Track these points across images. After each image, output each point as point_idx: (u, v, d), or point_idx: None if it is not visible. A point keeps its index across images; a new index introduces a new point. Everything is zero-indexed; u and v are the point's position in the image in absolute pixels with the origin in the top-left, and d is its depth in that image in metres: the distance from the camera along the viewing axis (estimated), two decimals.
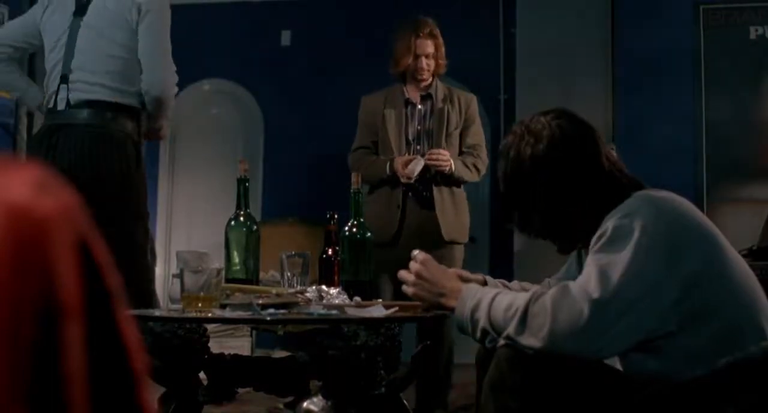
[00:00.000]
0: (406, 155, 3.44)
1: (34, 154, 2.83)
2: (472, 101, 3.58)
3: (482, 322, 1.51)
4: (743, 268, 1.52)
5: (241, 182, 2.31)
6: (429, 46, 3.48)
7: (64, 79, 2.79)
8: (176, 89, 2.91)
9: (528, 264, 4.92)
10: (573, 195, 1.59)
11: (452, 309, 1.60)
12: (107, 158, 2.74)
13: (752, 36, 4.76)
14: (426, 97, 3.52)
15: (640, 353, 1.45)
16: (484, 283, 1.82)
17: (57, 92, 2.79)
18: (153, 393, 2.00)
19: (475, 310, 1.54)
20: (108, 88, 2.78)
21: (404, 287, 1.73)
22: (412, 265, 1.71)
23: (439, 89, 3.53)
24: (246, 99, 6.36)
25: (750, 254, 3.48)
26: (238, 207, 2.31)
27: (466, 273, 1.81)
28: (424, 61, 3.46)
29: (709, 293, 1.44)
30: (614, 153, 1.68)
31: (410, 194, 3.43)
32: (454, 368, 3.46)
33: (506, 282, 1.90)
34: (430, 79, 3.53)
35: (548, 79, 4.98)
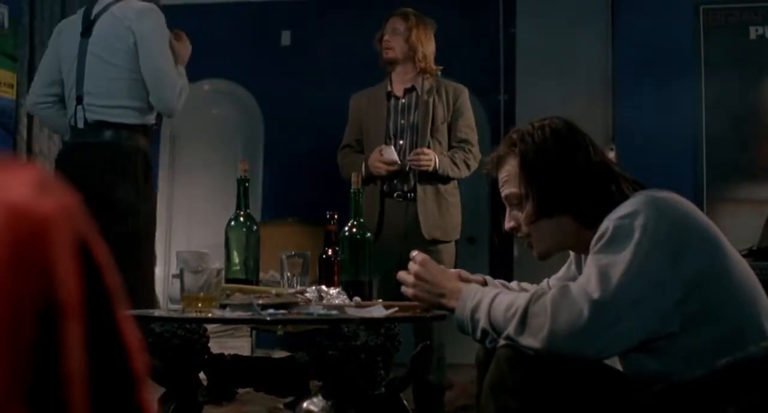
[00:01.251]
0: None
1: (59, 170, 3.04)
2: (462, 93, 3.47)
3: (482, 322, 1.51)
4: (744, 268, 1.51)
5: (241, 182, 2.31)
6: (397, 23, 3.44)
7: (79, 100, 3.01)
8: (185, 95, 3.07)
9: (528, 264, 4.92)
10: (569, 193, 1.59)
11: (452, 310, 1.60)
12: (119, 174, 2.95)
13: (752, 36, 4.76)
14: (410, 90, 3.45)
15: (641, 353, 1.45)
16: (485, 284, 1.81)
17: (75, 112, 3.02)
18: (153, 393, 2.00)
19: (475, 310, 1.53)
20: (118, 109, 2.99)
21: (403, 289, 1.73)
22: (411, 266, 1.70)
23: (425, 82, 3.44)
24: (246, 99, 6.35)
25: (750, 254, 3.47)
26: (238, 207, 2.31)
27: (466, 274, 1.80)
28: (388, 35, 3.43)
29: (710, 293, 1.43)
30: (613, 154, 1.68)
31: (395, 194, 3.37)
32: (447, 367, 3.43)
33: (506, 283, 1.89)
34: (415, 73, 3.44)
35: (548, 79, 4.98)
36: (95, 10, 3.05)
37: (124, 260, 2.71)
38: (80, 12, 3.10)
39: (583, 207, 1.59)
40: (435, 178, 3.36)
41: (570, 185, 1.59)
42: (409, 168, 3.35)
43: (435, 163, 3.30)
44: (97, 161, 2.94)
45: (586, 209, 1.58)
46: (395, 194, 3.38)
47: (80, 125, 2.99)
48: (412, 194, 3.37)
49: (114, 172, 2.94)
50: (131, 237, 2.93)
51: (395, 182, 3.38)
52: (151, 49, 2.97)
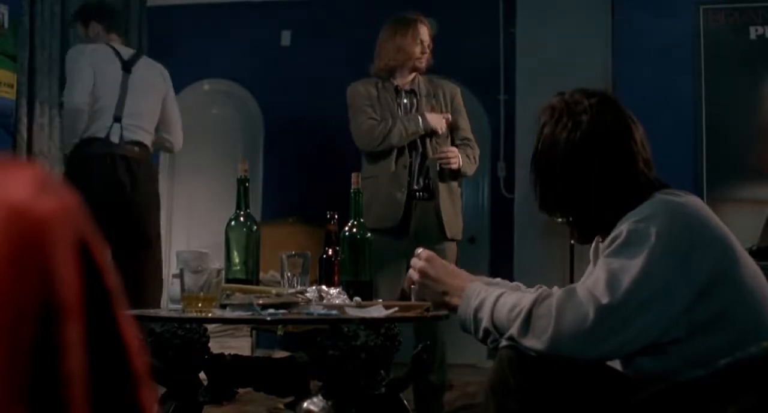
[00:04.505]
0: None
1: (93, 172, 3.62)
2: (457, 92, 3.57)
3: (485, 322, 1.50)
4: (754, 270, 1.51)
5: (241, 182, 2.31)
6: (426, 35, 3.49)
7: (117, 119, 3.68)
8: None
9: (528, 264, 4.92)
10: (595, 187, 1.57)
11: (455, 308, 1.60)
12: (152, 184, 3.82)
13: (752, 36, 4.76)
14: (409, 93, 3.50)
15: (645, 356, 1.43)
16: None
17: (111, 127, 3.66)
18: (153, 393, 2.00)
19: (478, 309, 1.52)
20: (146, 132, 3.78)
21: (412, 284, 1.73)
22: (415, 262, 1.70)
23: (422, 86, 3.50)
24: (246, 99, 6.36)
25: (750, 255, 3.47)
26: (238, 207, 2.30)
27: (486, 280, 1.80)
28: (425, 47, 3.47)
29: (720, 300, 1.41)
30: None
31: (418, 193, 3.41)
32: (448, 367, 3.45)
33: (521, 285, 1.87)
34: (414, 75, 3.51)
35: (548, 79, 4.97)
36: (123, 52, 3.78)
37: (156, 244, 3.78)
38: (103, 47, 3.74)
39: (579, 226, 1.62)
40: (449, 176, 3.41)
41: (570, 204, 1.60)
42: (427, 166, 3.39)
43: (459, 161, 3.38)
44: (134, 169, 3.69)
45: (582, 228, 1.62)
46: (419, 194, 3.42)
47: (115, 140, 3.65)
48: (425, 194, 3.42)
49: (148, 177, 3.78)
50: (158, 226, 3.88)
51: (420, 180, 3.42)
52: (173, 98, 3.95)
